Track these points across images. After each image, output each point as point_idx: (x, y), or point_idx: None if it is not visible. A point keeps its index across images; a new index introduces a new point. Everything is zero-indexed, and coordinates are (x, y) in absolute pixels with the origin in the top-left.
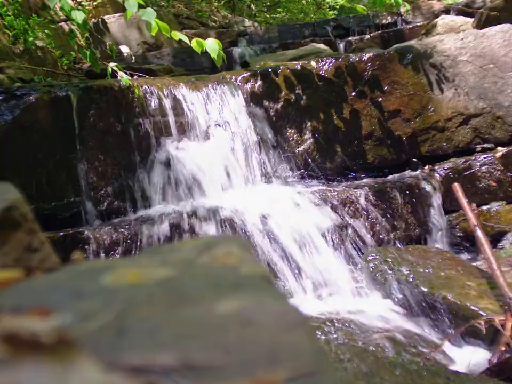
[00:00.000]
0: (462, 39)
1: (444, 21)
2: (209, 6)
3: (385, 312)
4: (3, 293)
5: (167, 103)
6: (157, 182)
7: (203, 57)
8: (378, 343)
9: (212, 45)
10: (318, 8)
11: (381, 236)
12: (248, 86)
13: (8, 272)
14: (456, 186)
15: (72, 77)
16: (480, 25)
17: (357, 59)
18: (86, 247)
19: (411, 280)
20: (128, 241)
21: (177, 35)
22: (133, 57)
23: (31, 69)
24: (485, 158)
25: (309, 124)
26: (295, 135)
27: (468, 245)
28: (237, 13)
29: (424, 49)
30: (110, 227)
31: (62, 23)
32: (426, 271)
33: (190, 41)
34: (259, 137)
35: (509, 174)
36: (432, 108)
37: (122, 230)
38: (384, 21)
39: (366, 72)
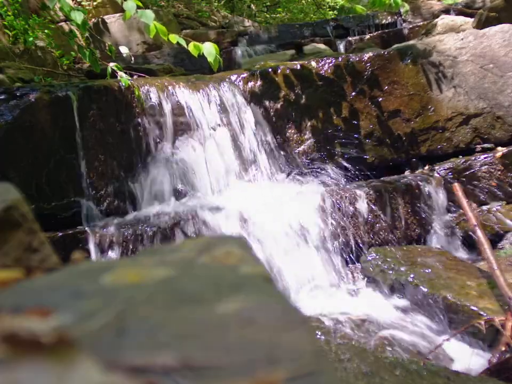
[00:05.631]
0: (462, 39)
1: (443, 21)
2: (209, 6)
3: (385, 312)
4: (3, 293)
5: (167, 103)
6: (157, 182)
7: (203, 57)
8: (378, 343)
9: (209, 49)
10: (318, 8)
11: (381, 236)
12: (248, 86)
13: (8, 272)
14: (456, 186)
15: (72, 77)
16: (480, 25)
17: (357, 59)
18: (86, 247)
19: (411, 280)
20: (129, 241)
21: (175, 38)
22: (132, 58)
23: (31, 69)
24: (485, 158)
25: (308, 123)
26: (295, 135)
27: (468, 245)
28: (237, 13)
29: (424, 49)
30: (110, 227)
31: (62, 23)
32: (426, 271)
33: (188, 45)
34: (259, 137)
35: (509, 174)
36: (432, 108)
37: (122, 229)
38: (384, 21)
39: (366, 72)
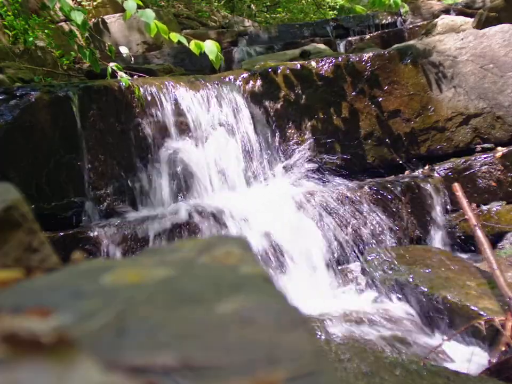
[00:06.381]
0: (462, 39)
1: (443, 21)
2: (209, 6)
3: (385, 312)
4: (3, 293)
5: (167, 103)
6: (156, 182)
7: (203, 57)
8: (378, 343)
9: (210, 47)
10: (318, 8)
11: (381, 236)
12: (248, 86)
13: (8, 272)
14: (456, 186)
15: (72, 77)
16: (480, 25)
17: (357, 59)
18: (86, 247)
19: (411, 280)
20: (129, 241)
21: (176, 37)
22: (132, 58)
23: (31, 69)
24: (485, 158)
25: (308, 123)
26: (295, 135)
27: (468, 245)
28: (237, 13)
29: (424, 49)
30: (110, 227)
31: (62, 23)
32: (426, 271)
33: (189, 43)
34: (259, 137)
35: (509, 174)
36: (432, 108)
37: (122, 230)
38: (384, 21)
39: (366, 72)
